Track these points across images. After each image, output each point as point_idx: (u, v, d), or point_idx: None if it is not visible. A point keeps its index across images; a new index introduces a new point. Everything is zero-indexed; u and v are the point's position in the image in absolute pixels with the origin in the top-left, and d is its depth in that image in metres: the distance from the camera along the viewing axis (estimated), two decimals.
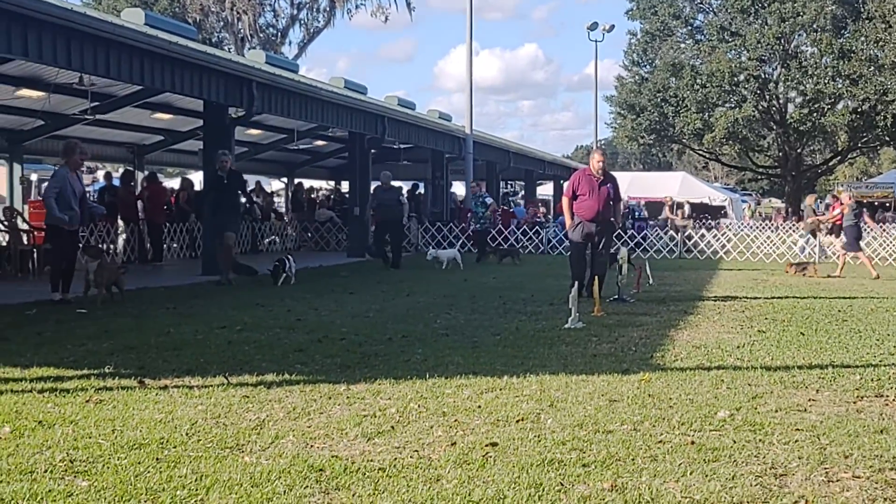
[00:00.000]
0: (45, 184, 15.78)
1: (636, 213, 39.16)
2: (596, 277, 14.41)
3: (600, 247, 15.20)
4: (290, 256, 18.33)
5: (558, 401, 7.22)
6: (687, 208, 41.36)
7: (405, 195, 25.74)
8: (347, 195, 31.42)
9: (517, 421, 6.56)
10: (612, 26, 58.99)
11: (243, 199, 18.21)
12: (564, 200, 15.69)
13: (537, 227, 32.68)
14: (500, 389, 7.63)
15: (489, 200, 27.88)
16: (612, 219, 15.42)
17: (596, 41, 58.17)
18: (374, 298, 14.99)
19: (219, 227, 17.64)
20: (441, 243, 31.23)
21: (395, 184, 24.86)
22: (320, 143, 35.98)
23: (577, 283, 14.19)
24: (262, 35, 60.73)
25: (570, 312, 11.64)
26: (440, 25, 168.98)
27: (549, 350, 9.80)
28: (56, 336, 10.40)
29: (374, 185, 26.77)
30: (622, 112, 60.90)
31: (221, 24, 61.38)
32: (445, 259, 22.96)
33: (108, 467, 5.29)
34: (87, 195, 15.23)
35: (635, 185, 53.68)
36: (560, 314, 12.47)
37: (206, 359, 8.94)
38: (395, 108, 30.24)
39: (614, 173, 16.31)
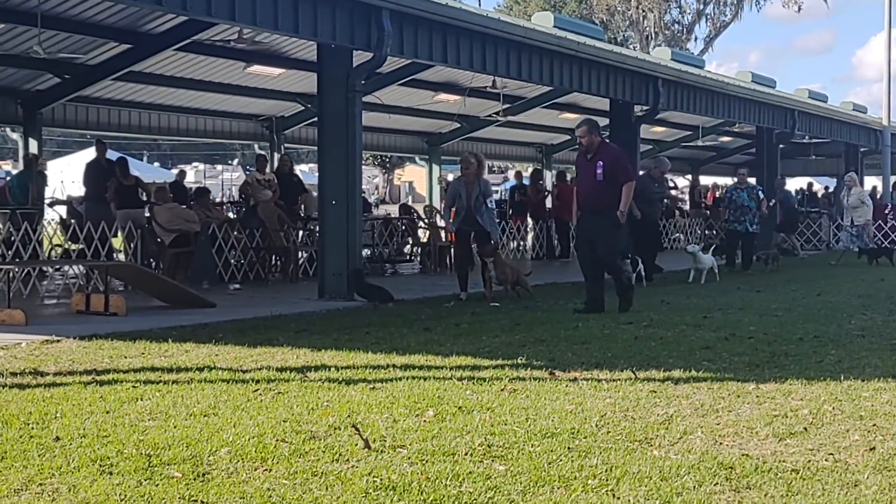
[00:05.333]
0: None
1: None
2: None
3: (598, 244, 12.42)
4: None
5: None
6: None
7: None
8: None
9: None
10: None
11: None
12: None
13: None
14: None
15: (762, 194, 21.68)
16: (605, 206, 12.21)
17: None
18: (782, 297, 14.55)
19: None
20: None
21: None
22: (726, 138, 35.42)
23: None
24: (667, 32, 60.57)
25: None
26: (861, 11, 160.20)
27: None
28: (472, 328, 10.95)
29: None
30: None
31: (627, 22, 61.80)
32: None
33: (522, 453, 5.52)
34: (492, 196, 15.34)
35: None
36: None
37: (614, 353, 9.07)
38: (806, 101, 29.14)
39: None
